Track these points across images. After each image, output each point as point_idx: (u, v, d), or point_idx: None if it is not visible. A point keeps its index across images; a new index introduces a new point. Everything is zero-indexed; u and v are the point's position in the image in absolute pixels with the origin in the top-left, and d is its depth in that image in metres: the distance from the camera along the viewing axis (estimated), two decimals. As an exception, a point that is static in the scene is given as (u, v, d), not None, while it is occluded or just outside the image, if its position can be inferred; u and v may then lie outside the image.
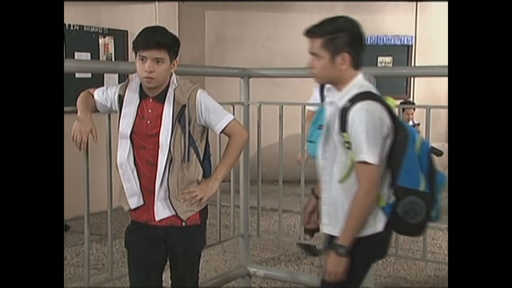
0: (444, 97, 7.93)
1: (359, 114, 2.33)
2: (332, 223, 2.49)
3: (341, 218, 2.42)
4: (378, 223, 2.43)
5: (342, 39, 2.39)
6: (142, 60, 2.57)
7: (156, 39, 2.56)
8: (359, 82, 2.46)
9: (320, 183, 2.58)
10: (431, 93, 8.30)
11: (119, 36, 6.79)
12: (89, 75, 5.91)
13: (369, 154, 2.32)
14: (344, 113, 2.37)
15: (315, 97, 5.17)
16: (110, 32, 6.70)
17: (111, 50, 6.78)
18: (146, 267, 2.77)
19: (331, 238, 2.49)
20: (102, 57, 6.63)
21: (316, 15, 10.03)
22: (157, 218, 2.69)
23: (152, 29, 2.67)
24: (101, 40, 6.64)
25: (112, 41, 6.78)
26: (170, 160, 2.63)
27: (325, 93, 2.57)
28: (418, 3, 8.53)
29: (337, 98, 2.47)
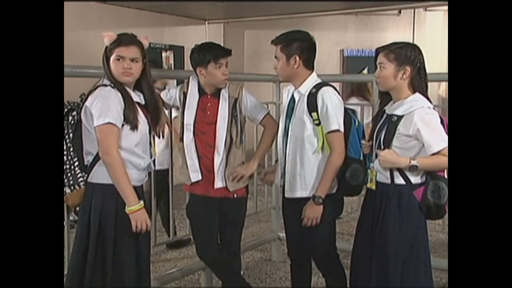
0: (436, 98, 7.85)
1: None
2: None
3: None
4: (333, 186, 2.47)
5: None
6: (220, 67, 2.59)
7: (229, 50, 2.64)
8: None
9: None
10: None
11: (177, 50, 6.82)
12: (155, 81, 5.99)
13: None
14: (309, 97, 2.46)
15: None
16: (171, 47, 6.74)
17: (171, 61, 6.83)
18: (207, 232, 2.74)
19: (287, 200, 2.59)
20: (164, 67, 6.68)
21: (332, 33, 9.77)
22: (215, 187, 2.67)
23: (217, 44, 2.73)
24: (163, 54, 6.70)
25: (172, 54, 6.81)
26: (227, 143, 2.63)
27: None
28: (415, 24, 8.40)
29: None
